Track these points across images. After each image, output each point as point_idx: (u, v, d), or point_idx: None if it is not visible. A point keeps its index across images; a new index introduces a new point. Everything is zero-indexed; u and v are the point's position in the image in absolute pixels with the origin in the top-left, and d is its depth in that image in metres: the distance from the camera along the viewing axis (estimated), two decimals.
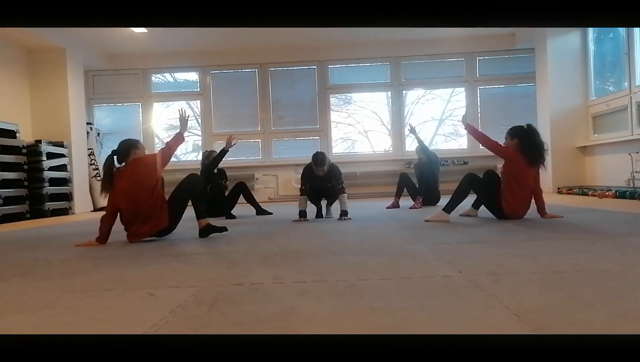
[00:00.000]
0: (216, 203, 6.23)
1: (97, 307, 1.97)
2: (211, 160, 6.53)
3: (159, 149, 4.46)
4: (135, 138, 4.48)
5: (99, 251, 3.62)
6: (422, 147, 7.13)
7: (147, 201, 4.04)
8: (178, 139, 4.45)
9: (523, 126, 4.65)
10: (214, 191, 6.30)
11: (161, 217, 4.09)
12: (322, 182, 5.60)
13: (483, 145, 4.84)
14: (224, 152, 6.36)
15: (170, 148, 4.32)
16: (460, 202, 4.78)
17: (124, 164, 4.20)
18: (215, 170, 6.59)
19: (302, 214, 5.55)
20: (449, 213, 4.68)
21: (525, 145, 4.54)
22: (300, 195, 5.68)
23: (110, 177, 4.10)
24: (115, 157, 4.22)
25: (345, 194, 5.59)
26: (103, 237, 3.98)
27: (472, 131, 4.99)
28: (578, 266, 2.33)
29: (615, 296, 1.79)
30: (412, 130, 7.01)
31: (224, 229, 4.25)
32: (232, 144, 6.33)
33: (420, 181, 7.06)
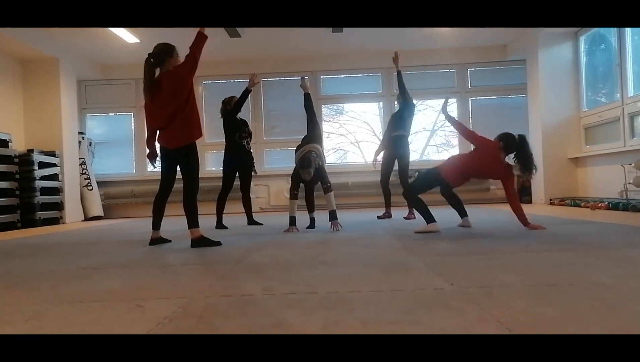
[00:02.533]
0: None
1: (85, 320, 1.94)
2: (234, 104, 6.56)
3: (185, 56, 4.45)
4: (170, 44, 4.54)
5: (89, 260, 3.58)
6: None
7: (182, 111, 4.21)
8: (200, 38, 4.53)
9: (514, 136, 4.68)
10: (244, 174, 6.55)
11: (194, 128, 4.29)
12: (310, 184, 5.56)
13: (460, 133, 5.00)
14: (247, 92, 6.45)
15: (194, 53, 4.43)
16: (426, 207, 4.76)
17: (159, 70, 4.30)
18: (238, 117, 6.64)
19: (292, 221, 5.51)
20: (434, 221, 4.68)
21: (519, 156, 4.61)
22: (290, 198, 5.63)
23: (152, 85, 4.26)
24: (151, 60, 4.33)
25: (332, 193, 5.52)
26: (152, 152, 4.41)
27: (451, 120, 5.05)
28: (572, 279, 2.32)
29: (610, 310, 1.77)
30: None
31: (217, 243, 4.21)
32: (256, 82, 6.41)
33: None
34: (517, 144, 4.63)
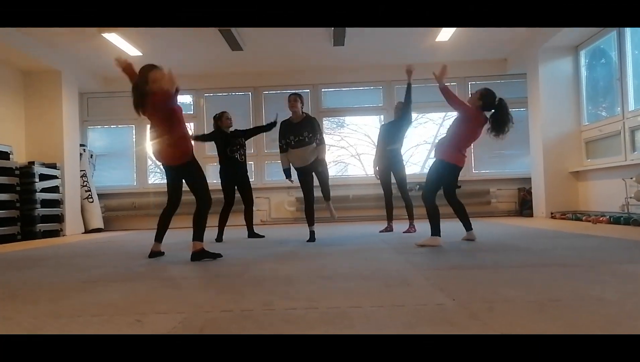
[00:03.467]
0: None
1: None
2: (252, 129, 6.87)
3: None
4: (151, 64, 4.60)
5: (88, 273, 3.56)
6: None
7: (167, 133, 4.25)
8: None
9: (496, 97, 4.87)
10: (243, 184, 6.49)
11: (182, 148, 4.30)
12: (299, 130, 5.59)
13: (448, 99, 5.06)
14: (272, 125, 6.52)
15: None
16: (439, 219, 4.75)
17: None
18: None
19: (287, 173, 5.75)
20: (439, 235, 4.66)
21: (495, 116, 4.83)
22: (280, 152, 5.77)
23: (136, 104, 4.35)
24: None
25: (324, 145, 5.65)
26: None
27: (445, 89, 5.10)
28: (574, 294, 2.30)
29: (615, 326, 1.76)
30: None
31: (218, 255, 4.20)
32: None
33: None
34: (496, 105, 4.81)
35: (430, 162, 10.59)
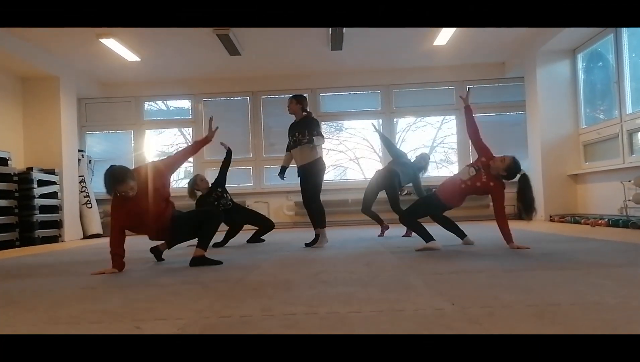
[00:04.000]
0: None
1: None
2: (220, 170, 6.43)
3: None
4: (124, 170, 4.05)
5: (87, 279, 3.55)
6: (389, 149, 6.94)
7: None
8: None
9: (520, 170, 4.64)
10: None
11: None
12: (297, 129, 5.60)
13: (471, 133, 4.96)
14: (228, 153, 6.39)
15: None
16: (423, 228, 4.78)
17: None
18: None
19: (281, 171, 5.86)
20: (434, 240, 4.69)
21: (522, 196, 4.57)
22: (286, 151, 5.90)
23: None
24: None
25: (320, 137, 5.61)
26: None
27: (469, 114, 5.02)
28: (574, 299, 2.30)
29: (614, 330, 1.75)
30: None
31: (218, 262, 4.19)
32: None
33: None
34: (519, 181, 4.62)
35: (429, 165, 10.61)
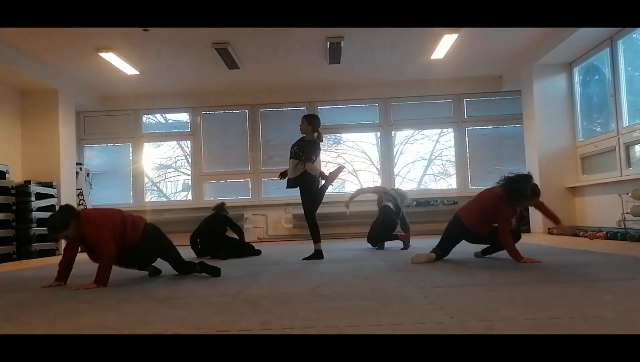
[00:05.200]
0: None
1: None
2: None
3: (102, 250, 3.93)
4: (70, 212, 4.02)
5: (84, 294, 3.53)
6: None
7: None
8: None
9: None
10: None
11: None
12: (303, 146, 5.62)
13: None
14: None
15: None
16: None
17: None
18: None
19: (282, 175, 5.92)
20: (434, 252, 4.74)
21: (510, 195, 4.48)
22: None
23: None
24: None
25: (309, 164, 5.53)
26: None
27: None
28: (572, 312, 2.29)
29: None
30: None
31: (217, 270, 4.23)
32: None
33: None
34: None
35: (427, 178, 10.65)
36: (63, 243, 8.29)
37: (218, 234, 6.48)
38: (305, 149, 5.57)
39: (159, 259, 4.44)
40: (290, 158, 5.67)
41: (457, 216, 4.81)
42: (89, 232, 3.91)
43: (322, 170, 5.81)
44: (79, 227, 3.90)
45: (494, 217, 4.56)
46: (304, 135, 5.74)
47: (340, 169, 5.77)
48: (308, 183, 5.56)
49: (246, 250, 6.49)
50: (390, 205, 6.84)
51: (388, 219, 6.77)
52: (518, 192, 4.41)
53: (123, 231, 4.02)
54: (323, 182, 5.60)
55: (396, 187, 6.95)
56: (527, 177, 4.49)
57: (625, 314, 2.22)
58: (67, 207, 4.07)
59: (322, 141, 5.76)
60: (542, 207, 4.74)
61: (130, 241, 4.04)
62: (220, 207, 6.87)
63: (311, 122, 5.72)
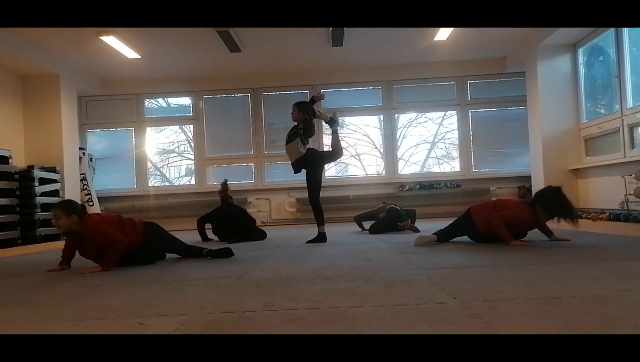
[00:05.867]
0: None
1: None
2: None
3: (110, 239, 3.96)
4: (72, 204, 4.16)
5: (89, 277, 3.56)
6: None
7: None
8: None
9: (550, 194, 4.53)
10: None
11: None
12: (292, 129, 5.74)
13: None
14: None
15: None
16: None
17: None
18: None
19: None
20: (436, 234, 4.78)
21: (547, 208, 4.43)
22: None
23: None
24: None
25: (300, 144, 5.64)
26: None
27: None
28: (574, 292, 2.30)
29: (614, 324, 1.76)
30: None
31: (227, 252, 4.36)
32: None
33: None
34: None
35: (431, 161, 10.63)
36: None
37: (232, 219, 6.54)
38: (300, 128, 5.66)
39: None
40: (286, 144, 5.70)
41: (468, 211, 4.79)
42: (92, 233, 3.94)
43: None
44: (79, 223, 3.94)
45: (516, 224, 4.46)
46: (296, 122, 5.75)
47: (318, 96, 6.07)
48: (312, 161, 5.65)
49: (255, 234, 6.53)
50: (396, 207, 6.91)
51: (397, 213, 6.78)
52: (560, 208, 4.37)
53: (122, 231, 4.05)
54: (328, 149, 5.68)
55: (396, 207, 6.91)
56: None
57: (628, 294, 2.23)
58: (78, 204, 4.14)
59: (314, 117, 5.79)
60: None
61: (132, 242, 4.08)
62: (226, 193, 6.91)
63: (302, 109, 5.75)
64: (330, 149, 5.95)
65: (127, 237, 4.02)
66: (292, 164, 5.70)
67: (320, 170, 5.77)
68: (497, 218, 4.39)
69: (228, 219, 6.51)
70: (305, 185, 5.69)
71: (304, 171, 5.67)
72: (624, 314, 1.89)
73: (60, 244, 4.49)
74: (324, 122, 6.04)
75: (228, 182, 7.06)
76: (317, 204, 5.65)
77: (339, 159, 6.20)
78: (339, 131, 5.92)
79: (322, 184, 5.83)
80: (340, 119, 5.93)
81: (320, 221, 5.66)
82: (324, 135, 10.13)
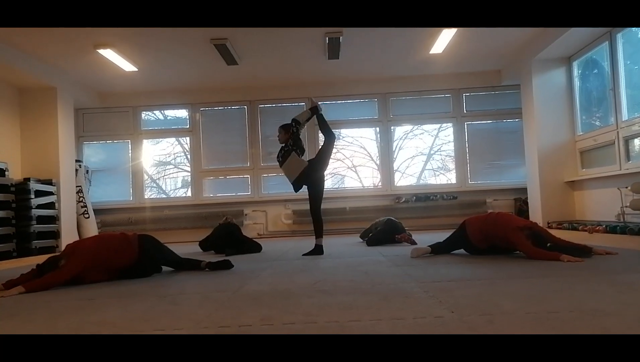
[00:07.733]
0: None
1: None
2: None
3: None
4: None
5: (85, 290, 3.54)
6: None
7: None
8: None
9: None
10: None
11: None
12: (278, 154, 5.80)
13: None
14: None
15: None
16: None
17: None
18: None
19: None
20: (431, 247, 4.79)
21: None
22: None
23: None
24: None
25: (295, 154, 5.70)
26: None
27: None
28: (573, 306, 2.30)
29: None
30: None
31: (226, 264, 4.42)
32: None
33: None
34: None
35: (427, 173, 10.64)
36: (63, 242, 8.34)
37: (229, 235, 6.64)
38: (290, 143, 5.72)
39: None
40: (282, 165, 5.74)
41: (463, 224, 4.80)
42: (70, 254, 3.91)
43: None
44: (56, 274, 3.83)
45: (497, 238, 4.44)
46: (283, 144, 5.78)
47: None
48: (311, 175, 5.67)
49: (252, 247, 6.54)
50: (393, 219, 7.01)
51: (394, 225, 6.83)
52: None
53: (107, 260, 4.01)
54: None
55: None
56: None
57: (626, 307, 2.23)
58: (46, 265, 3.94)
59: (300, 128, 5.87)
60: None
61: (127, 261, 4.08)
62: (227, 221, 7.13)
63: (286, 129, 5.81)
64: (321, 145, 5.96)
65: (119, 258, 4.03)
66: (293, 183, 5.69)
67: (325, 166, 5.84)
68: (531, 253, 4.19)
69: (225, 234, 6.57)
70: (303, 196, 5.71)
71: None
72: (623, 328, 1.89)
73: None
74: (310, 120, 6.08)
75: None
76: (318, 215, 5.67)
77: (334, 144, 6.16)
78: (324, 115, 6.04)
79: None
80: (318, 103, 6.06)
81: (318, 232, 5.66)
82: (318, 133, 10.09)
